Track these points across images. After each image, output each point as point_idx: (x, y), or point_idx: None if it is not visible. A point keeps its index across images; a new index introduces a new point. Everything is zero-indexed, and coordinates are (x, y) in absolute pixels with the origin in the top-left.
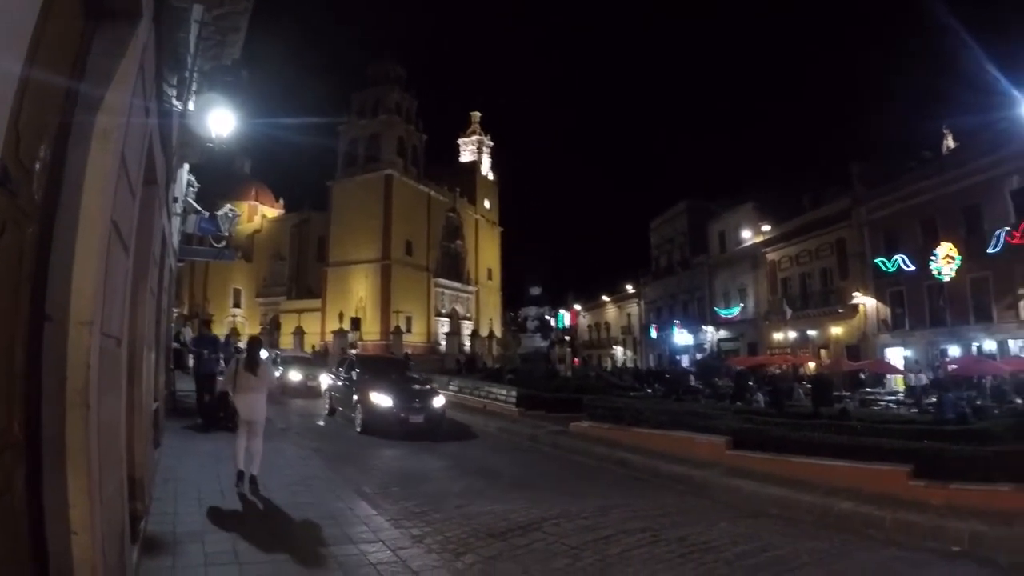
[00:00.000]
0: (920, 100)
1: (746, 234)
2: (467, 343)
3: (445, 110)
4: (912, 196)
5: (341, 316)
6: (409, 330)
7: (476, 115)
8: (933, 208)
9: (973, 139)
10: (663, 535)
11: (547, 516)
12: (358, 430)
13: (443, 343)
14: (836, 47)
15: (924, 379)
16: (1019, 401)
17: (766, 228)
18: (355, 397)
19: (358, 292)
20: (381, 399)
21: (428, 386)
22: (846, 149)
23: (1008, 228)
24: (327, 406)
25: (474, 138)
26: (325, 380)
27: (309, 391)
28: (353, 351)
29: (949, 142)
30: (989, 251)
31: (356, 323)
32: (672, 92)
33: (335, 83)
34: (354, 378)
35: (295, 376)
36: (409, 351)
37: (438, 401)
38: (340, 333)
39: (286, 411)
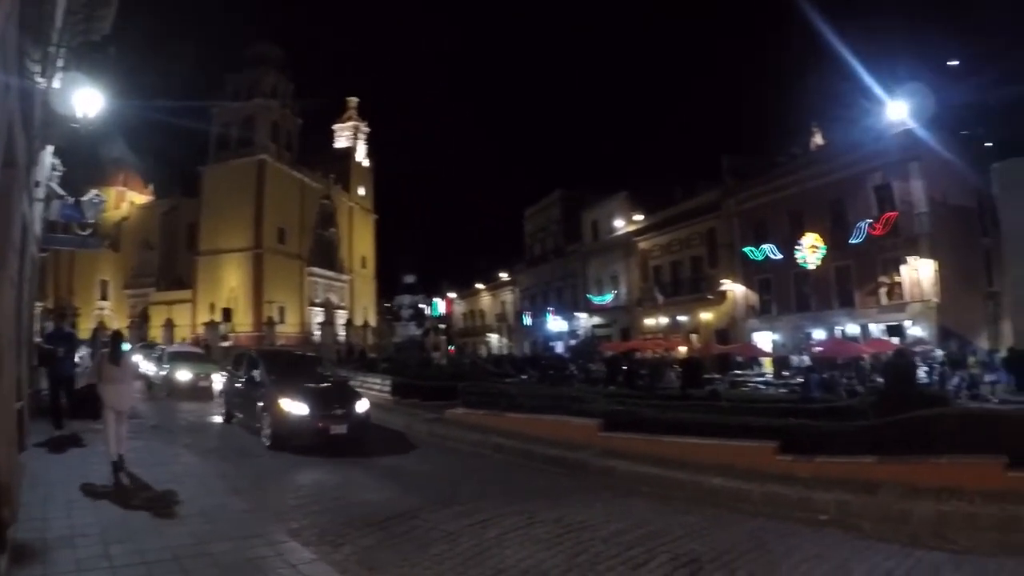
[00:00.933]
0: (791, 98)
1: (619, 223)
2: (342, 333)
3: (321, 94)
4: (780, 189)
5: (212, 307)
6: (282, 321)
7: (353, 100)
8: (800, 201)
9: (840, 137)
10: (539, 516)
11: (423, 504)
12: (267, 444)
13: (317, 334)
14: (710, 43)
15: (807, 359)
16: (880, 380)
17: (638, 217)
18: (260, 404)
19: (229, 282)
20: (294, 406)
21: (346, 386)
22: (718, 143)
23: (871, 220)
24: (224, 411)
25: (350, 124)
26: (219, 381)
27: (201, 393)
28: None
29: (817, 139)
30: (852, 241)
31: (228, 314)
32: (549, 82)
33: (212, 64)
34: (257, 379)
35: (183, 376)
36: (283, 342)
37: (362, 405)
38: (212, 325)
39: (172, 418)
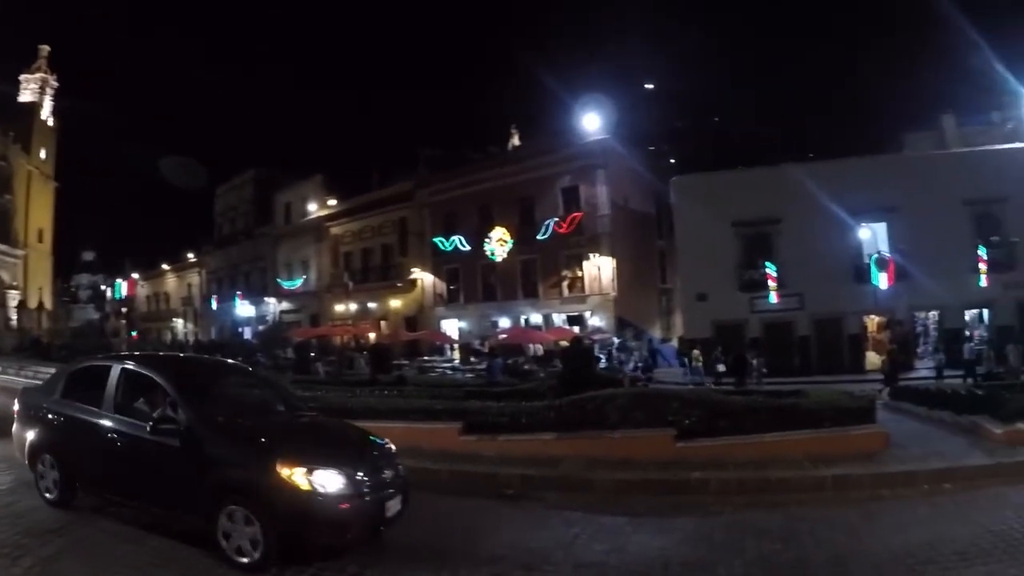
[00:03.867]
0: (497, 100)
1: (312, 207)
2: (14, 316)
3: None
4: (473, 184)
5: None
6: None
7: (45, 49)
8: (492, 196)
9: (536, 140)
10: None
11: None
12: (249, 560)
13: None
14: (425, 34)
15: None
16: (559, 365)
17: (332, 202)
18: (216, 480)
19: None
20: (322, 476)
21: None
22: (420, 134)
23: (557, 219)
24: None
25: (38, 76)
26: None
27: None
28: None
29: (515, 140)
30: (539, 238)
31: None
32: (254, 57)
33: None
34: (185, 426)
35: None
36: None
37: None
38: None
39: None
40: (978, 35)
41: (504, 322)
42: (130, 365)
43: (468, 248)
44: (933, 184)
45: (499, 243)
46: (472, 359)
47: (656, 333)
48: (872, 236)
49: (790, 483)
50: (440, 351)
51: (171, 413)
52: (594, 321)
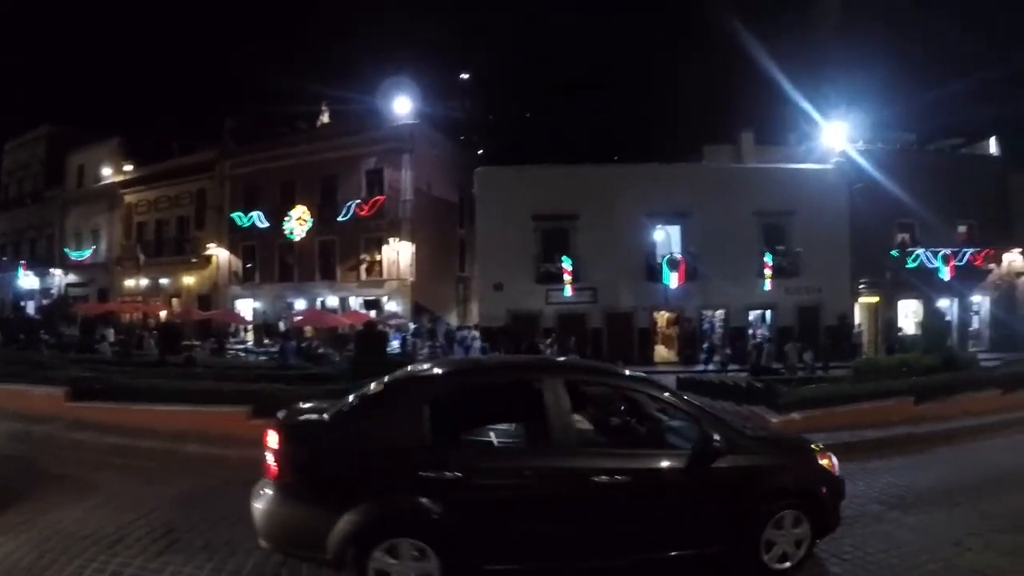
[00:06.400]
0: (312, 75)
1: (108, 171)
2: None
3: None
4: (277, 159)
5: None
6: None
7: None
8: (295, 173)
9: (345, 119)
10: None
11: None
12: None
13: None
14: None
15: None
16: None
17: (129, 168)
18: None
19: None
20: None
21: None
22: (229, 105)
23: (359, 200)
24: None
25: None
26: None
27: None
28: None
29: (324, 118)
30: (340, 219)
31: None
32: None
33: None
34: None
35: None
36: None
37: None
38: None
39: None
40: (787, 66)
41: (300, 304)
42: (574, 376)
43: (267, 225)
44: (727, 194)
45: (299, 222)
46: (266, 341)
47: (453, 320)
48: (666, 238)
49: None
50: (235, 331)
51: (710, 431)
52: (391, 306)
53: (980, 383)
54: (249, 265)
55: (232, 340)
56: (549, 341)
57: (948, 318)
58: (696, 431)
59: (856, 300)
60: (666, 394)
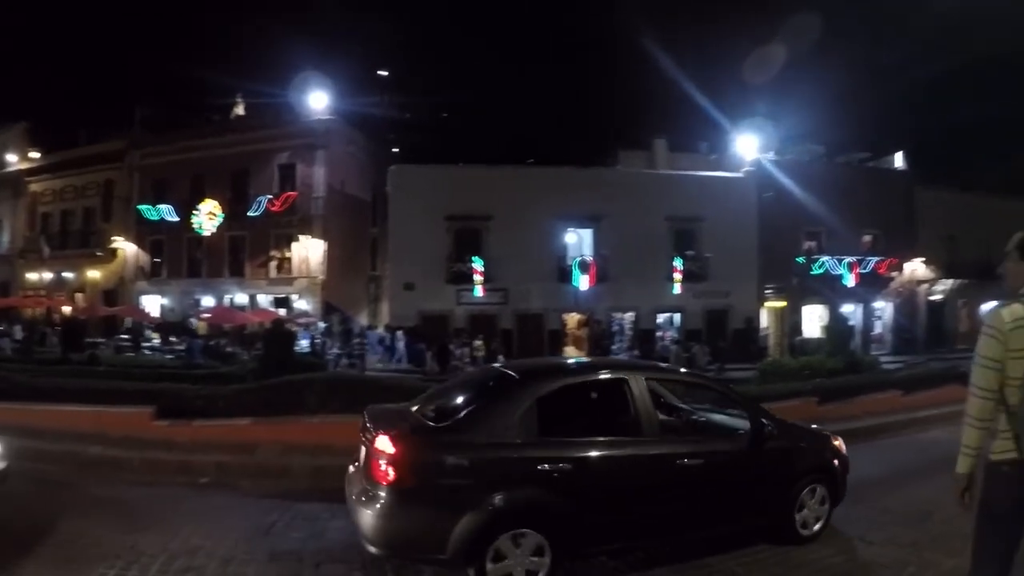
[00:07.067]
0: (229, 66)
1: (13, 158)
2: None
3: None
4: (189, 150)
5: None
6: None
7: None
8: (207, 166)
9: (259, 112)
10: None
11: None
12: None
13: None
14: None
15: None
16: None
17: (35, 155)
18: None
19: None
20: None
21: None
22: (142, 95)
23: (271, 196)
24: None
25: None
26: None
27: None
28: None
29: (239, 110)
30: (251, 214)
31: None
32: None
33: None
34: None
35: None
36: None
37: None
38: None
39: None
40: (702, 77)
41: (208, 301)
42: (652, 375)
43: (176, 219)
44: (640, 199)
45: (208, 216)
46: (172, 338)
47: (363, 319)
48: (578, 240)
49: None
50: (141, 328)
51: (761, 418)
52: (301, 304)
53: (881, 385)
54: (157, 260)
55: (138, 337)
56: (461, 342)
57: (852, 323)
58: (749, 418)
59: (763, 304)
60: (723, 388)
